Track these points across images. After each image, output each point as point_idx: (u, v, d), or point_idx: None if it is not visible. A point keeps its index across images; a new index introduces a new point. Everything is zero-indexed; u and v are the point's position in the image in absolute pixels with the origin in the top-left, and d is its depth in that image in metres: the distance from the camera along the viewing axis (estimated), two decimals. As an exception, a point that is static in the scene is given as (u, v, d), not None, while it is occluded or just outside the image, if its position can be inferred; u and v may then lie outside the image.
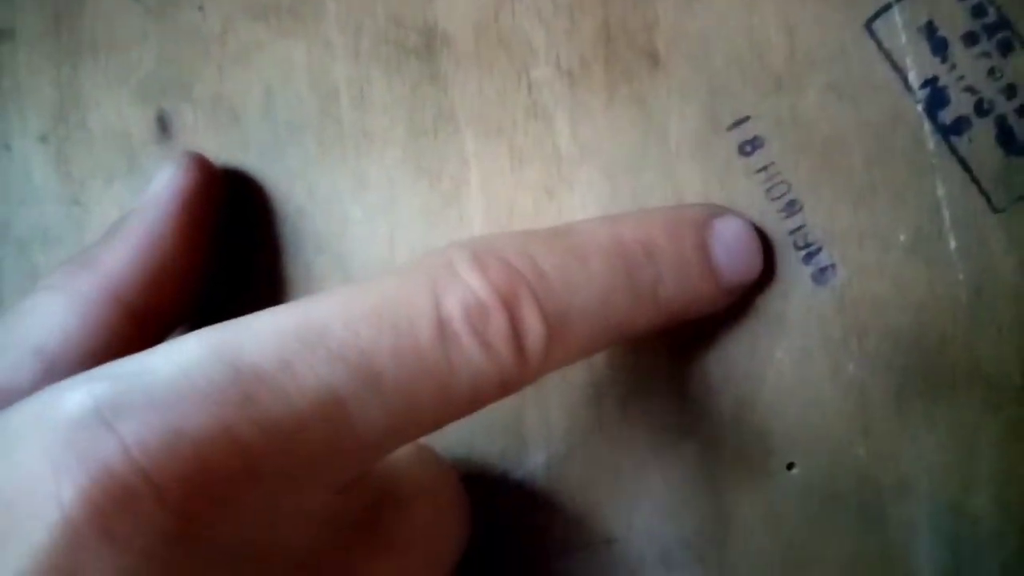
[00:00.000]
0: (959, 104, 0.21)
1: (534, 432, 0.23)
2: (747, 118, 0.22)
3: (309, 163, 0.24)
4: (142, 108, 0.26)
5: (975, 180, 0.21)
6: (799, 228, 0.22)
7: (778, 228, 0.22)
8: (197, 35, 0.25)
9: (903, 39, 0.22)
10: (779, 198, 0.22)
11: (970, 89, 0.21)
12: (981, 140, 0.21)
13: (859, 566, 0.22)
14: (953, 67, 0.21)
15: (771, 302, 0.22)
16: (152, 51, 0.26)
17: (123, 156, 0.26)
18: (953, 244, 0.21)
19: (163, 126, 0.26)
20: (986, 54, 0.21)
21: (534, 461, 0.23)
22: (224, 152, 0.25)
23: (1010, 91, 0.21)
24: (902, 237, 0.22)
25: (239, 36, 0.25)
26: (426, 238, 0.24)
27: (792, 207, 0.22)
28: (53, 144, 0.26)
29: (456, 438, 0.23)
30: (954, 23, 0.21)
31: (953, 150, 0.21)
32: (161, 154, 0.26)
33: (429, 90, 0.24)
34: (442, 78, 0.24)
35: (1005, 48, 0.21)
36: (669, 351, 0.22)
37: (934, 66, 0.22)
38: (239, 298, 0.25)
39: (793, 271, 0.22)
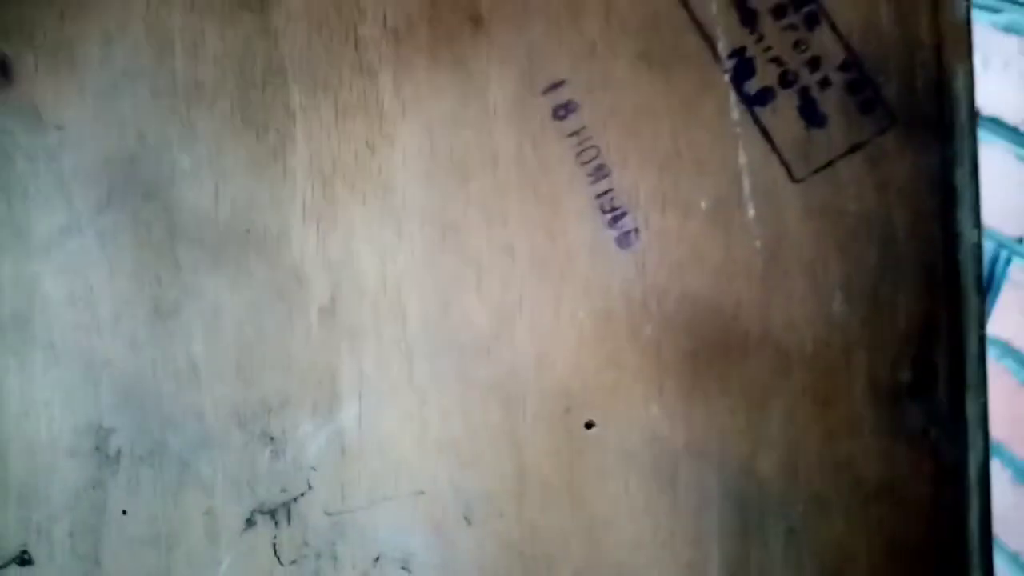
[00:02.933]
0: (765, 75, 0.21)
1: (348, 386, 0.22)
2: (562, 82, 0.21)
3: (141, 110, 0.23)
4: (-17, 52, 0.25)
5: (776, 150, 0.20)
6: (606, 192, 0.21)
7: (586, 192, 0.21)
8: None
9: (714, 9, 0.21)
10: (589, 162, 0.21)
11: (776, 60, 0.21)
12: (784, 111, 0.21)
13: (651, 525, 0.21)
14: (761, 38, 0.21)
15: (577, 265, 0.21)
16: (-4, -4, 0.24)
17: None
18: (752, 212, 0.21)
19: (4, 70, 0.24)
20: (793, 27, 0.21)
21: (347, 414, 0.22)
22: (62, 96, 0.23)
23: (813, 64, 0.21)
24: (703, 204, 0.21)
25: (81, -17, 0.24)
26: (251, 191, 0.22)
27: (600, 171, 0.21)
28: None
29: (272, 388, 0.22)
30: None
31: (756, 120, 0.21)
32: (1, 99, 0.24)
33: (260, 43, 0.23)
34: (273, 32, 0.22)
35: (811, 22, 0.21)
36: (477, 302, 0.21)
37: (743, 37, 0.21)
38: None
39: (599, 234, 0.21)
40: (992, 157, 0.98)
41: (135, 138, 0.22)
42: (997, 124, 0.97)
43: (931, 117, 0.19)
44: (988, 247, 0.97)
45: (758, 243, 0.19)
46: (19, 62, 0.23)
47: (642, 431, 0.20)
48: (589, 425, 0.20)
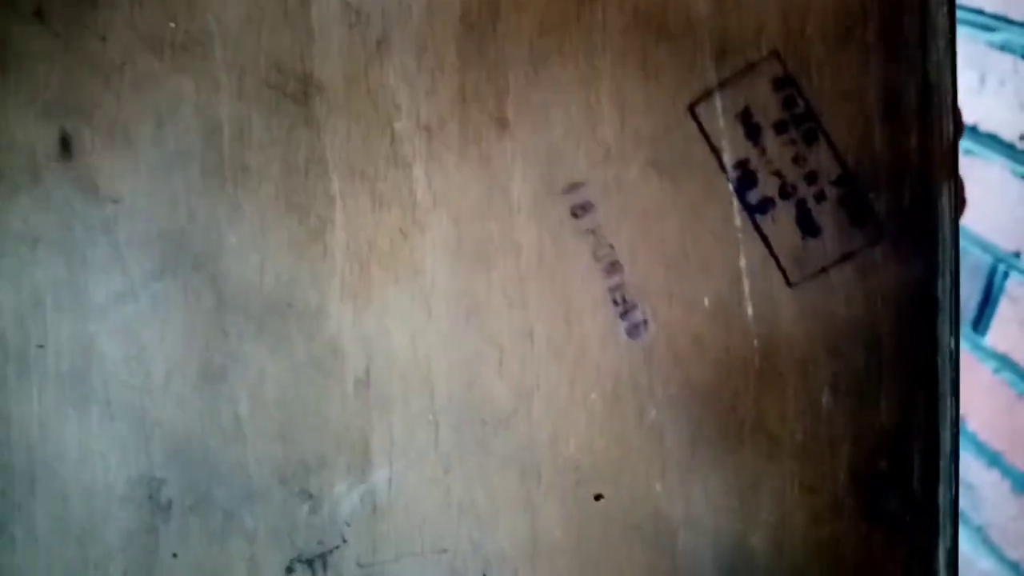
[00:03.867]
0: (766, 186, 0.22)
1: (379, 450, 0.24)
2: (580, 184, 0.23)
3: (192, 188, 0.25)
4: (46, 127, 0.26)
5: (774, 256, 0.22)
6: (618, 286, 0.23)
7: (600, 284, 0.23)
8: (99, 63, 0.25)
9: (721, 123, 0.22)
10: (603, 258, 0.23)
11: (777, 173, 0.22)
12: (783, 220, 0.22)
13: (652, 588, 0.23)
14: (763, 152, 0.22)
15: (590, 351, 0.23)
16: (58, 75, 0.26)
17: (28, 171, 0.26)
18: (750, 312, 0.22)
19: (65, 146, 0.26)
20: (793, 142, 0.22)
21: (379, 476, 0.24)
22: (118, 172, 0.25)
23: (811, 178, 0.22)
24: (706, 301, 0.22)
25: (136, 67, 0.25)
26: (293, 268, 0.24)
27: (613, 267, 0.23)
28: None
29: (310, 449, 0.24)
30: (767, 112, 0.22)
31: (757, 227, 0.22)
32: (63, 172, 0.26)
33: (303, 133, 0.24)
34: (315, 123, 0.24)
35: (810, 138, 0.22)
36: (498, 380, 0.23)
37: (747, 149, 0.22)
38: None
39: (610, 324, 0.23)
40: (990, 173, 0.99)
41: (186, 214, 0.24)
42: (994, 140, 0.98)
43: (917, 231, 0.20)
44: (986, 261, 0.98)
45: (755, 341, 0.21)
46: (79, 139, 0.25)
47: (645, 505, 0.21)
48: (598, 497, 0.22)
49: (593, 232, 0.22)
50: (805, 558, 0.21)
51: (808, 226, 0.21)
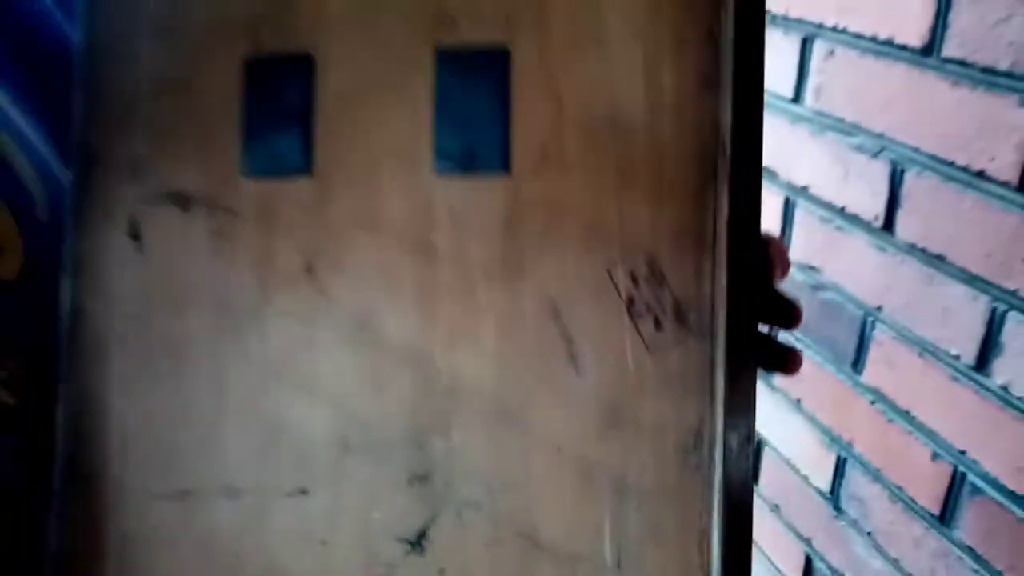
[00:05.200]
0: (640, 307, 0.45)
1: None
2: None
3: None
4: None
5: (641, 336, 0.45)
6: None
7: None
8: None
9: (622, 281, 0.45)
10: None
11: (646, 303, 0.45)
12: (647, 322, 0.45)
13: None
14: (641, 293, 0.45)
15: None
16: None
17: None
18: (630, 362, 0.45)
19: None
20: (656, 289, 0.45)
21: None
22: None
23: (662, 305, 0.45)
24: (612, 354, 0.45)
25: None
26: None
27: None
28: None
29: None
30: (646, 278, 0.45)
31: (634, 323, 0.45)
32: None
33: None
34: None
35: (662, 288, 0.45)
36: None
37: (633, 291, 0.45)
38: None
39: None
40: (856, 245, 1.30)
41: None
42: (857, 220, 1.28)
43: (704, 325, 0.43)
44: (858, 314, 1.27)
45: (632, 378, 0.44)
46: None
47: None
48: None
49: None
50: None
51: (658, 325, 0.44)
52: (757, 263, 0.46)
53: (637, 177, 0.42)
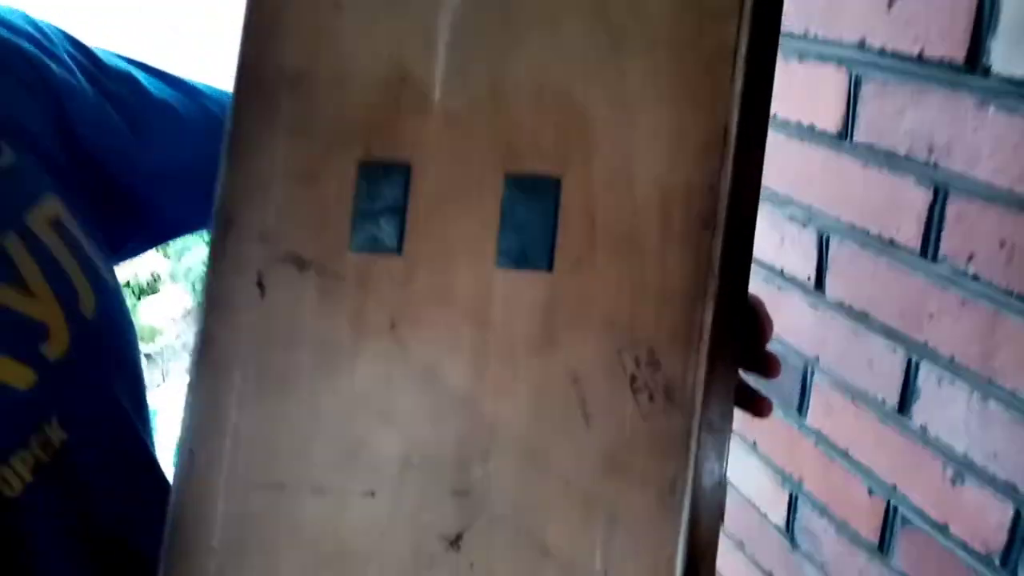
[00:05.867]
0: (642, 388, 0.60)
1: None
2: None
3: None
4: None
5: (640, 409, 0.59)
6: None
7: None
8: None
9: (631, 367, 0.59)
10: (581, 400, 0.60)
11: (645, 383, 0.59)
12: (644, 399, 0.59)
13: None
14: (643, 373, 0.59)
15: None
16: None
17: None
18: (634, 417, 0.59)
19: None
20: (652, 374, 0.59)
21: None
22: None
23: (658, 387, 0.59)
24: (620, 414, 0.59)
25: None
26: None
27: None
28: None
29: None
30: (651, 366, 0.59)
31: (635, 399, 0.59)
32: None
33: None
34: None
35: (657, 374, 0.59)
36: None
37: (637, 372, 0.60)
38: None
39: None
40: (793, 302, 1.47)
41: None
42: (793, 280, 1.45)
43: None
44: (800, 363, 1.43)
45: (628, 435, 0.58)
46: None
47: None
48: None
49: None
50: None
51: (652, 398, 0.58)
52: (748, 327, 0.60)
53: (647, 287, 0.56)
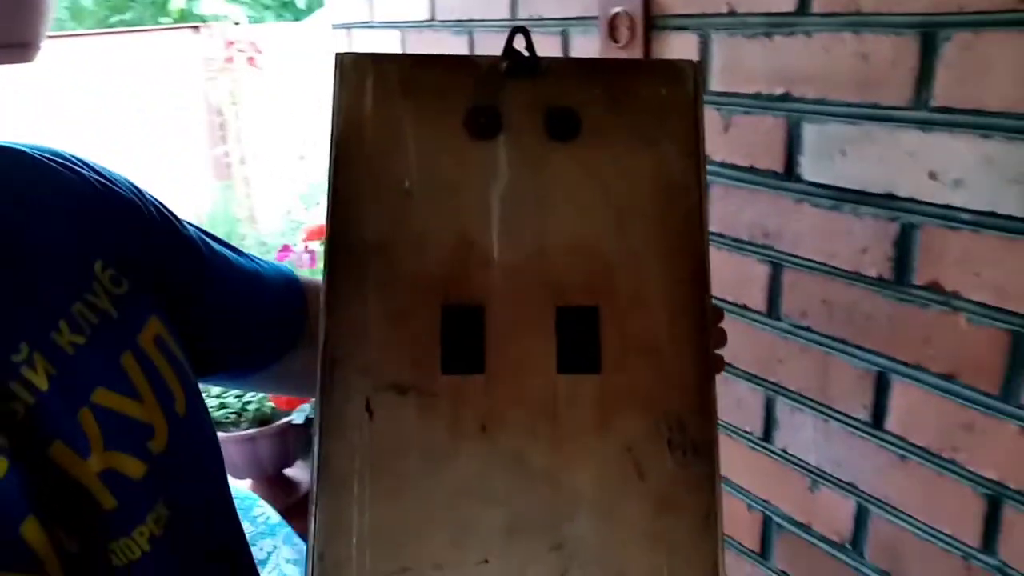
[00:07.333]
0: (669, 449, 0.82)
1: None
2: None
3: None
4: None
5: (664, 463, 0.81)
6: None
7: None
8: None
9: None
10: (634, 463, 0.81)
11: (668, 441, 0.82)
12: (668, 455, 0.81)
13: None
14: (670, 440, 0.81)
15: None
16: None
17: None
18: (666, 467, 0.81)
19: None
20: (683, 441, 0.82)
21: None
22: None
23: (683, 445, 0.82)
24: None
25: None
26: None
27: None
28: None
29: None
30: (671, 430, 0.82)
31: (671, 458, 0.81)
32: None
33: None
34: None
35: (684, 440, 0.82)
36: None
37: (670, 436, 0.82)
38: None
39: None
40: (742, 329, 1.77)
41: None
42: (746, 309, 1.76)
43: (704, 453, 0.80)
44: (760, 390, 1.72)
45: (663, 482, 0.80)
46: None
47: None
48: None
49: (632, 457, 0.79)
50: None
51: (684, 454, 0.80)
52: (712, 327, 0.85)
53: (671, 379, 0.79)
